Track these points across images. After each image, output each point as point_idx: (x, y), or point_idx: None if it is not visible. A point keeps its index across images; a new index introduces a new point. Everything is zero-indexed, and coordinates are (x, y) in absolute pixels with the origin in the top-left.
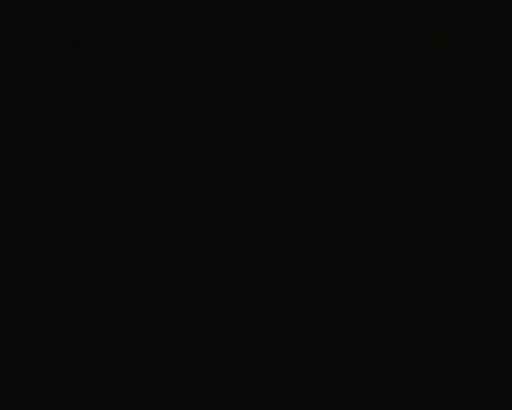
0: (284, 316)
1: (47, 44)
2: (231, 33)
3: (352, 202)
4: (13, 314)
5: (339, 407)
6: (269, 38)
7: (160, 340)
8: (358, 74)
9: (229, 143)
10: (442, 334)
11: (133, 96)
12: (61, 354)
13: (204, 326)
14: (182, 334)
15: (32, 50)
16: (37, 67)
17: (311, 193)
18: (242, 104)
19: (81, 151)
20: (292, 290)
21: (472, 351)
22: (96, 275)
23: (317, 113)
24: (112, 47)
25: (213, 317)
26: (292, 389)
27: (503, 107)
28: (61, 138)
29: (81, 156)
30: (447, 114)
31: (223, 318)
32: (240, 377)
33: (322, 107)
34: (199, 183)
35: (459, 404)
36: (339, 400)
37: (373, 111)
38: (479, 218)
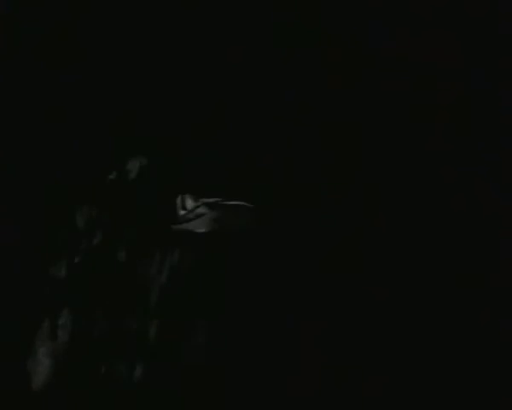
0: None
1: (47, 45)
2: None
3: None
4: None
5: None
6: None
7: None
8: (357, 74)
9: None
10: (442, 335)
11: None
12: None
13: None
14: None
15: (33, 50)
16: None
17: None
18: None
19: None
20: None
21: (471, 351)
22: None
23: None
24: (112, 46)
25: None
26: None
27: (503, 106)
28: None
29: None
30: (447, 114)
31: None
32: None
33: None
34: None
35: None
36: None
37: (371, 110)
38: (478, 217)
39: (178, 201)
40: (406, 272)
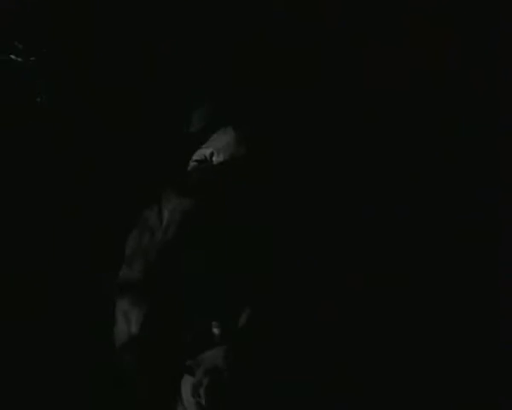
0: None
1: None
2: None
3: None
4: None
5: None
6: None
7: None
8: (356, 74)
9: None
10: (441, 335)
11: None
12: None
13: None
14: None
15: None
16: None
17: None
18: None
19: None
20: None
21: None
22: None
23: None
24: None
25: None
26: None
27: (503, 107)
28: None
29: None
30: (447, 114)
31: None
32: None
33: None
34: None
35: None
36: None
37: (371, 109)
38: (478, 217)
39: None
40: (405, 272)
